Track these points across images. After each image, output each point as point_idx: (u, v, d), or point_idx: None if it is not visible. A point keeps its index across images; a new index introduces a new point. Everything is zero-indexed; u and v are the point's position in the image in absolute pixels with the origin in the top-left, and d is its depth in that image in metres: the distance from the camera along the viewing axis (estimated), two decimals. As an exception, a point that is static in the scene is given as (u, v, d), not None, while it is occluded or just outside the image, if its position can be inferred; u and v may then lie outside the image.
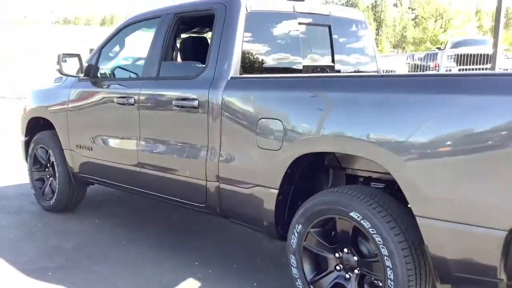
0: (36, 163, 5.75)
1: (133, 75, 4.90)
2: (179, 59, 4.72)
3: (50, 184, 5.61)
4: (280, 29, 4.20)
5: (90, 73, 4.92)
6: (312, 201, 3.19)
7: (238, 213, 3.78)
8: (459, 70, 19.85)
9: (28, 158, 5.83)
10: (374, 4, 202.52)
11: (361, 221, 2.89)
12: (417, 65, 25.58)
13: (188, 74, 4.07)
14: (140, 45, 4.88)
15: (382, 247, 2.81)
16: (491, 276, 2.50)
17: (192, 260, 4.24)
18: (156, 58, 4.33)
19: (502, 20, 14.68)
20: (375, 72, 4.83)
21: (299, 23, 4.24)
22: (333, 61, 4.48)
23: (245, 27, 3.81)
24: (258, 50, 4.00)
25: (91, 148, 4.93)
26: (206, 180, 3.83)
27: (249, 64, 3.89)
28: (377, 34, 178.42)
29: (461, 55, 20.04)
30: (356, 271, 3.05)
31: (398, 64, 27.66)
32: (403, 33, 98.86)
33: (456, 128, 2.53)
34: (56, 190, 5.44)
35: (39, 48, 21.36)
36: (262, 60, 4.02)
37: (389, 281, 2.80)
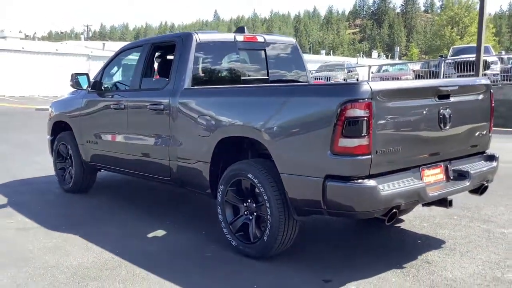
0: (59, 156, 7.53)
1: (125, 87, 6.60)
2: (156, 75, 6.40)
3: (69, 172, 7.36)
4: (223, 54, 5.87)
5: (96, 86, 6.65)
6: (229, 168, 4.83)
7: (191, 182, 5.44)
8: (457, 76, 21.03)
9: (53, 153, 7.62)
10: (404, 11, 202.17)
11: (254, 179, 4.51)
12: (432, 72, 26.74)
13: (158, 86, 5.75)
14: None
15: (264, 195, 4.43)
16: (319, 207, 4.10)
17: (165, 221, 5.91)
18: (139, 74, 6.06)
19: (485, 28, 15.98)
20: (306, 82, 6.45)
21: (239, 49, 5.90)
22: (267, 75, 6.12)
23: (195, 53, 5.47)
24: (206, 69, 5.68)
25: (97, 143, 6.67)
26: (169, 160, 5.50)
27: (200, 79, 5.54)
28: (408, 41, 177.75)
29: (459, 62, 21.19)
30: (254, 213, 4.67)
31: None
32: (433, 39, 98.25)
33: (294, 117, 4.19)
34: (73, 176, 7.21)
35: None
36: (209, 75, 5.68)
37: (268, 216, 4.42)
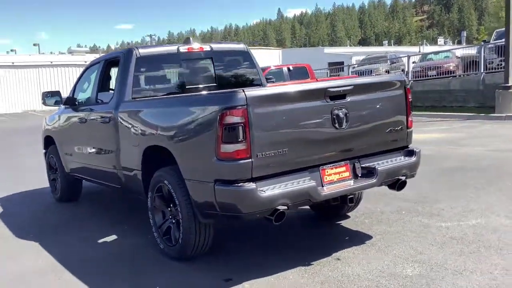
0: (51, 168, 8.09)
1: (89, 102, 7.01)
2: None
3: (58, 182, 7.89)
4: (166, 66, 6.14)
5: (69, 102, 7.10)
6: (153, 176, 5.11)
7: (135, 190, 5.74)
8: (500, 61, 20.20)
9: (46, 165, 8.18)
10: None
11: (168, 185, 4.77)
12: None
13: (107, 100, 6.10)
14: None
15: (176, 199, 4.68)
16: (215, 209, 4.29)
17: (124, 226, 6.28)
18: (95, 89, 6.45)
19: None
20: (259, 85, 6.59)
21: (182, 60, 6.15)
22: (215, 82, 6.33)
23: (135, 68, 5.77)
24: (148, 81, 5.97)
25: (71, 154, 7.14)
26: (117, 170, 5.85)
27: (141, 91, 5.84)
28: (479, 24, 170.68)
29: (500, 46, 20.32)
30: (176, 217, 4.92)
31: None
32: (491, 22, 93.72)
33: (188, 126, 4.42)
34: (60, 186, 7.72)
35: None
36: (152, 88, 5.97)
37: (180, 219, 4.66)
